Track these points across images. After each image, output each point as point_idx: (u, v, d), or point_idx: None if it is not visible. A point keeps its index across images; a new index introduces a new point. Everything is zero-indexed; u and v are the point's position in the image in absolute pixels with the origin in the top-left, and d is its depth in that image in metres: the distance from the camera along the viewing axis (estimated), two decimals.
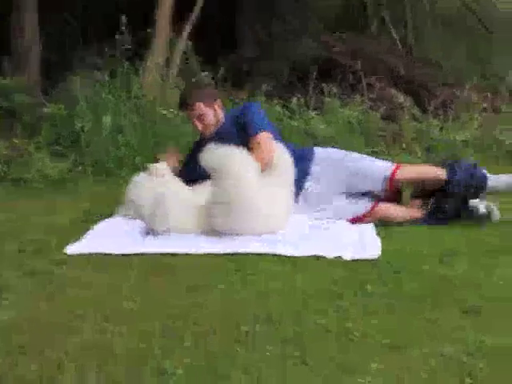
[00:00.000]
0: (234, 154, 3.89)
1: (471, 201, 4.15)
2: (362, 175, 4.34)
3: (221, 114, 4.63)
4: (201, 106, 4.54)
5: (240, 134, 4.39)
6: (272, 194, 4.04)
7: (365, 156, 4.57)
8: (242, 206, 3.87)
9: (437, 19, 9.61)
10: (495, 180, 4.21)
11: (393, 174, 4.32)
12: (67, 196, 5.27)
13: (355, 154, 4.54)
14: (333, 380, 2.49)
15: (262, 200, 3.94)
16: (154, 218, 4.06)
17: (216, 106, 4.61)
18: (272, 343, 2.74)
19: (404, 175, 4.36)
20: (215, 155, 3.86)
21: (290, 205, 4.21)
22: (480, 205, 4.12)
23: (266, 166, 4.12)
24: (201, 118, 4.56)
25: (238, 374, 2.53)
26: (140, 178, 4.46)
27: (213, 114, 4.58)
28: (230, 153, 3.89)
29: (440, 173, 4.31)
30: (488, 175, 4.24)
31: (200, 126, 4.58)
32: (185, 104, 4.62)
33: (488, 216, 4.13)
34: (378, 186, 4.34)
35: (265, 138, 4.37)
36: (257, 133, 4.36)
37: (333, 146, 4.99)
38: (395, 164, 4.44)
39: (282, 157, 4.22)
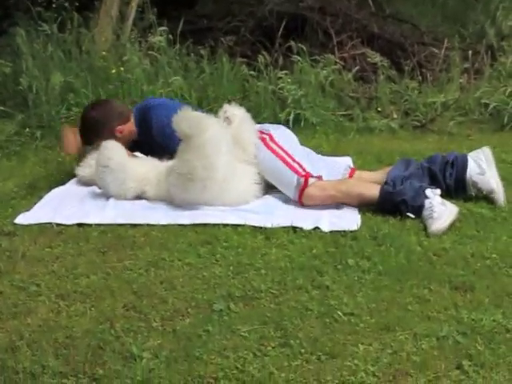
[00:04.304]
0: (208, 123, 3.77)
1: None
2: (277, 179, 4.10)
3: (127, 130, 4.35)
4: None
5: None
6: (240, 172, 3.99)
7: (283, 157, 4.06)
8: (203, 183, 3.80)
9: None
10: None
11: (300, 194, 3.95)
12: (13, 161, 5.09)
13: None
14: (318, 364, 2.41)
15: (227, 179, 3.87)
16: (111, 184, 4.02)
17: (118, 131, 4.32)
18: (249, 324, 2.65)
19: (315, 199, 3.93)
20: (188, 119, 3.74)
21: (257, 184, 4.09)
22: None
23: None
24: None
25: (214, 357, 2.43)
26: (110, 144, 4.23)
27: (119, 137, 4.29)
28: (204, 121, 3.79)
29: (373, 192, 3.84)
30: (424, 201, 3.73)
31: None
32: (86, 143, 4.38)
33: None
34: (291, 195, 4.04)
35: None
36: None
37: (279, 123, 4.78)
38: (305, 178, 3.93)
39: (249, 132, 4.12)
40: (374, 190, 3.85)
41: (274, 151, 4.05)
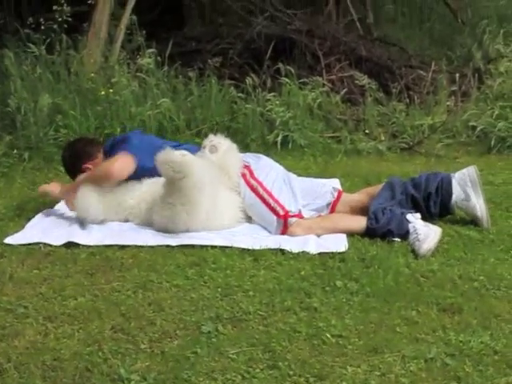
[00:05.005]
0: (191, 166, 3.75)
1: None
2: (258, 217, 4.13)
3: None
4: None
5: None
6: (224, 201, 4.02)
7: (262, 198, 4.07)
8: (185, 226, 3.82)
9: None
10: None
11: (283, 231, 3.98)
12: (0, 183, 5.07)
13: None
14: None
15: (210, 217, 3.90)
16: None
17: (87, 168, 4.32)
18: (238, 346, 2.65)
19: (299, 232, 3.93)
20: (171, 163, 3.71)
21: (241, 210, 4.13)
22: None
23: (102, 177, 4.02)
24: None
25: (203, 379, 2.43)
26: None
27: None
28: (187, 164, 3.74)
29: (359, 225, 3.89)
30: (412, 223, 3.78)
31: None
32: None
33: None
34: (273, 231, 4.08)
35: (121, 156, 4.09)
36: (116, 152, 4.14)
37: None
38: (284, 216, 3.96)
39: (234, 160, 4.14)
40: (360, 223, 3.89)
41: (253, 189, 4.06)
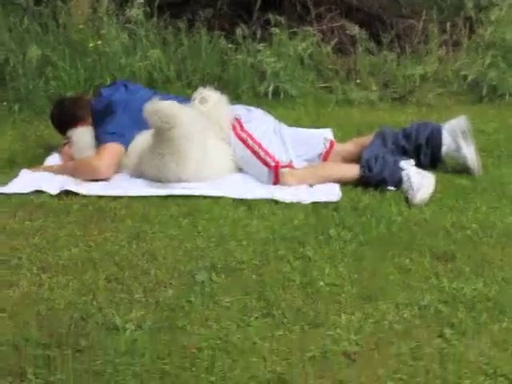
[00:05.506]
0: (179, 116, 3.70)
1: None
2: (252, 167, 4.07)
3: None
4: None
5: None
6: (214, 151, 3.97)
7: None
8: (176, 176, 3.79)
9: None
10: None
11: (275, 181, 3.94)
12: None
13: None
14: (301, 334, 2.42)
15: (200, 167, 3.86)
16: None
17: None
18: (232, 294, 2.65)
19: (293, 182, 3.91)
20: (159, 113, 3.67)
21: (232, 160, 4.10)
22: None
23: (93, 172, 3.94)
24: None
25: (197, 328, 2.43)
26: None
27: None
28: (176, 114, 3.68)
29: (351, 173, 3.87)
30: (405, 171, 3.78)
31: None
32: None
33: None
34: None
35: (110, 148, 4.03)
36: (106, 141, 4.07)
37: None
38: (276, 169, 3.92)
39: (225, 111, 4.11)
40: (352, 171, 3.87)
41: (243, 141, 4.02)
